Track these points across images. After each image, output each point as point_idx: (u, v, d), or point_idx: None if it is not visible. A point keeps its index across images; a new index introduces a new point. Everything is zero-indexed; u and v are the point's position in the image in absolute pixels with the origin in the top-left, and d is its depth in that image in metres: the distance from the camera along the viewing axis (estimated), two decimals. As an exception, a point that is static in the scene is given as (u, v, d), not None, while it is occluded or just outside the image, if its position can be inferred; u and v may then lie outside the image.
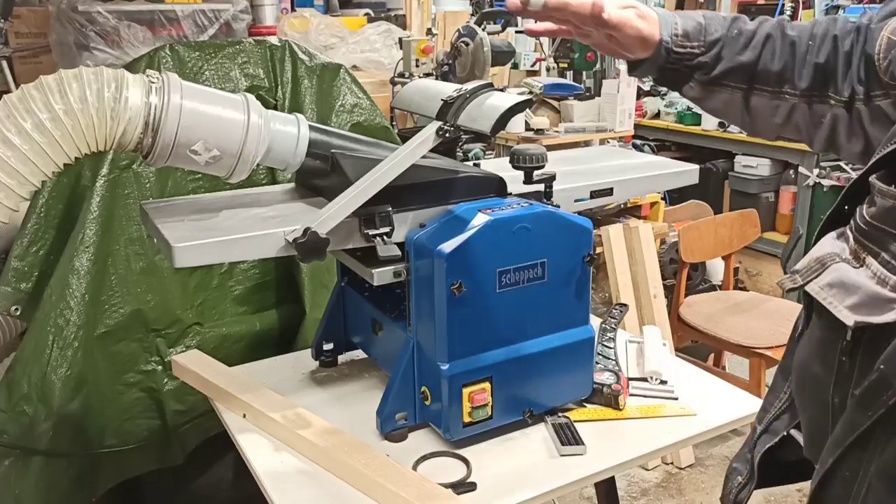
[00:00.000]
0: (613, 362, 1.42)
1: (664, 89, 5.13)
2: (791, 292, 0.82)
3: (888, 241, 0.69)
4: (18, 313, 1.66)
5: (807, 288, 0.75)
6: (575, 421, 1.28)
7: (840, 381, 0.73)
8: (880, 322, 0.66)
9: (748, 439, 0.93)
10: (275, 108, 1.84)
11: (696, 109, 4.59)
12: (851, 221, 0.75)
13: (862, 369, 0.70)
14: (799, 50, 0.96)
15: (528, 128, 3.03)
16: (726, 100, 1.00)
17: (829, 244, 0.77)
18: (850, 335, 0.70)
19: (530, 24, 1.05)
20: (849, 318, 0.69)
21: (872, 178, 0.72)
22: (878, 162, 0.72)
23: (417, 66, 2.96)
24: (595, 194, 1.42)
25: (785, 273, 0.84)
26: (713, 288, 3.67)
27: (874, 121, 0.91)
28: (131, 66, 1.71)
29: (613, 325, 1.57)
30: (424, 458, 1.21)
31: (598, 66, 3.58)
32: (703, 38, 0.97)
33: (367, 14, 3.42)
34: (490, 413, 1.22)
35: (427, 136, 1.19)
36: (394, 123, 2.92)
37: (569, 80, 3.44)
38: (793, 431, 0.87)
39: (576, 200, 1.40)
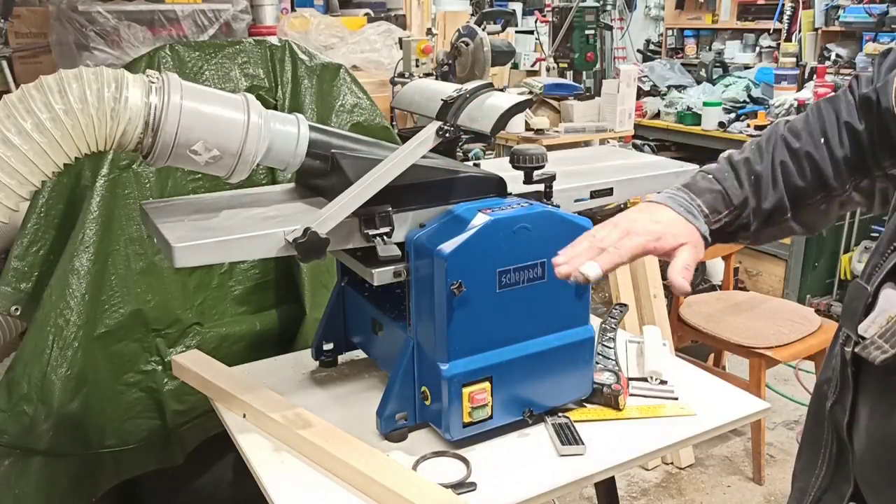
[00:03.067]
0: (613, 362, 1.42)
1: (664, 89, 5.14)
2: (883, 360, 0.73)
3: None
4: (18, 313, 1.66)
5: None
6: (575, 421, 1.28)
7: None
8: None
9: None
10: (275, 108, 1.84)
11: (696, 110, 4.59)
12: None
13: None
14: (818, 156, 0.94)
15: (528, 128, 3.03)
16: (776, 233, 1.01)
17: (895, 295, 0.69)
18: None
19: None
20: None
21: None
22: None
23: (417, 66, 2.96)
24: (595, 194, 1.42)
25: (845, 329, 0.79)
26: (713, 288, 3.67)
27: None
28: (131, 66, 1.71)
29: (613, 325, 1.57)
30: (424, 458, 1.21)
31: (598, 66, 3.58)
32: (731, 205, 0.97)
33: (367, 14, 3.42)
34: (490, 413, 1.22)
35: (427, 136, 1.19)
36: (394, 123, 2.92)
37: (569, 80, 3.43)
38: None
39: (576, 200, 1.40)
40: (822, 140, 0.94)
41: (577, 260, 0.91)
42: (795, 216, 0.98)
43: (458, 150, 1.37)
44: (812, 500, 0.83)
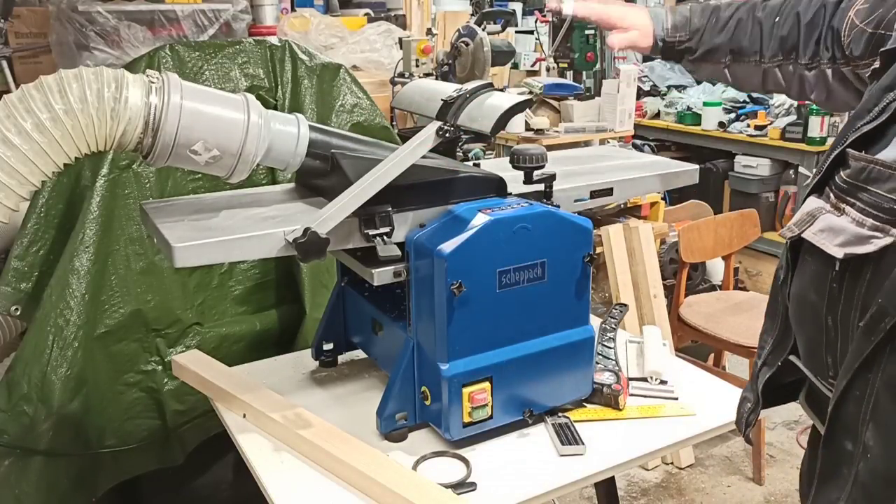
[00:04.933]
0: (613, 362, 1.42)
1: (664, 89, 5.15)
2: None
3: (861, 193, 0.88)
4: (18, 313, 1.66)
5: (803, 235, 0.95)
6: (575, 421, 1.28)
7: (831, 304, 0.92)
8: (863, 252, 0.86)
9: (751, 373, 1.14)
10: (275, 108, 1.84)
11: (696, 110, 4.60)
12: (830, 183, 0.94)
13: (848, 292, 0.90)
14: (765, 27, 1.22)
15: (528, 128, 3.02)
16: (712, 70, 1.31)
17: (813, 202, 0.96)
18: (839, 266, 0.90)
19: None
20: (839, 252, 0.89)
21: (848, 150, 0.91)
22: (855, 139, 0.92)
23: (417, 66, 2.96)
24: (595, 194, 1.42)
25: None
26: (713, 288, 3.67)
27: (836, 78, 1.16)
28: (131, 66, 1.71)
29: (613, 325, 1.57)
30: (424, 458, 1.21)
31: (598, 65, 3.58)
32: (688, 29, 1.29)
33: (367, 14, 3.42)
34: (490, 413, 1.22)
35: (427, 136, 1.19)
36: (394, 123, 2.92)
37: (569, 80, 3.43)
38: (789, 357, 1.05)
39: (576, 200, 1.40)
40: (776, 19, 1.22)
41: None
42: (730, 65, 1.27)
43: (458, 150, 1.37)
44: (767, 353, 1.09)
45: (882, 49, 0.98)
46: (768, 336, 1.10)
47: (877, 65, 1.00)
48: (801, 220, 0.96)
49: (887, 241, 0.85)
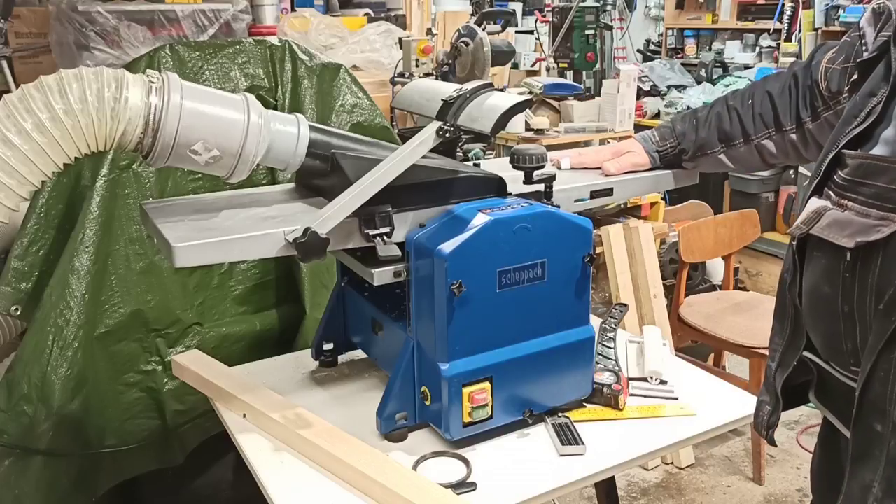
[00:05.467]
0: (613, 362, 1.42)
1: (664, 89, 5.15)
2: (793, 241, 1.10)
3: (861, 188, 0.95)
4: (18, 313, 1.66)
5: (812, 231, 1.01)
6: (575, 421, 1.28)
7: (845, 294, 0.97)
8: (872, 240, 0.92)
9: (766, 377, 1.17)
10: (275, 108, 1.84)
11: (696, 109, 4.60)
12: (829, 184, 1.00)
13: (861, 280, 0.95)
14: (742, 111, 1.38)
15: (528, 128, 3.02)
16: (711, 162, 1.44)
17: (816, 202, 1.01)
18: (850, 256, 0.95)
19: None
20: (849, 242, 0.95)
21: (844, 151, 0.98)
22: (847, 142, 0.99)
23: (417, 66, 2.96)
24: (595, 194, 1.42)
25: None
26: (713, 288, 3.67)
27: (821, 131, 1.27)
28: (131, 66, 1.71)
29: (613, 325, 1.57)
30: (424, 458, 1.21)
31: (598, 66, 3.58)
32: (674, 135, 1.46)
33: (367, 14, 3.42)
34: (490, 413, 1.22)
35: (427, 136, 1.19)
36: (394, 123, 2.92)
37: (569, 80, 3.43)
38: (803, 354, 1.09)
39: (576, 200, 1.40)
40: (749, 101, 1.38)
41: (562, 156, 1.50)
42: (724, 151, 1.41)
43: (458, 150, 1.38)
44: (780, 354, 1.13)
45: (859, 60, 1.08)
46: (778, 338, 1.13)
47: (855, 77, 1.09)
48: (808, 218, 1.02)
49: (895, 227, 0.90)
